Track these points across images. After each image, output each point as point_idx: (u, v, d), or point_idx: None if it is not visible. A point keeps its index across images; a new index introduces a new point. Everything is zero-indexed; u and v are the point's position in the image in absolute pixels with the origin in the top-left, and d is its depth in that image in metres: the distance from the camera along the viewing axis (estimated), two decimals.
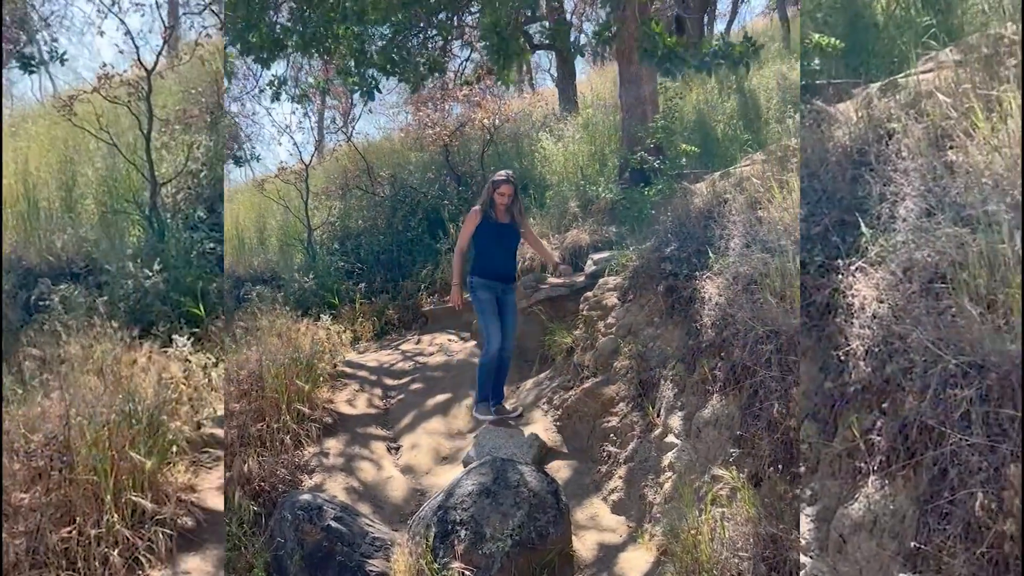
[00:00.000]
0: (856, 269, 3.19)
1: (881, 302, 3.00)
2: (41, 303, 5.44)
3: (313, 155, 12.75)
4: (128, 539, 3.56)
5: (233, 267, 9.10)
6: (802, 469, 3.07)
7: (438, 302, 9.26)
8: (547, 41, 11.26)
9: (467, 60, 14.76)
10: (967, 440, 2.29)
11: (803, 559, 2.78)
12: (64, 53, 7.21)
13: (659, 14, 9.02)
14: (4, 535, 3.30)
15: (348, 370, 7.20)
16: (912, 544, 2.34)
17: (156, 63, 7.72)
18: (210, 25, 8.33)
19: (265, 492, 4.64)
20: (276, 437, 5.20)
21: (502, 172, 5.44)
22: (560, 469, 4.93)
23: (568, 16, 13.45)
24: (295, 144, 20.21)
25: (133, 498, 3.69)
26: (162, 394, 4.21)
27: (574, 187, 9.38)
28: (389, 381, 7.04)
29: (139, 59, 7.54)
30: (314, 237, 10.80)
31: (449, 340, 8.11)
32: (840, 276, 3.24)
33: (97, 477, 3.63)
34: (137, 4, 7.81)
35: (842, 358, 3.03)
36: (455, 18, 10.89)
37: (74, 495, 3.56)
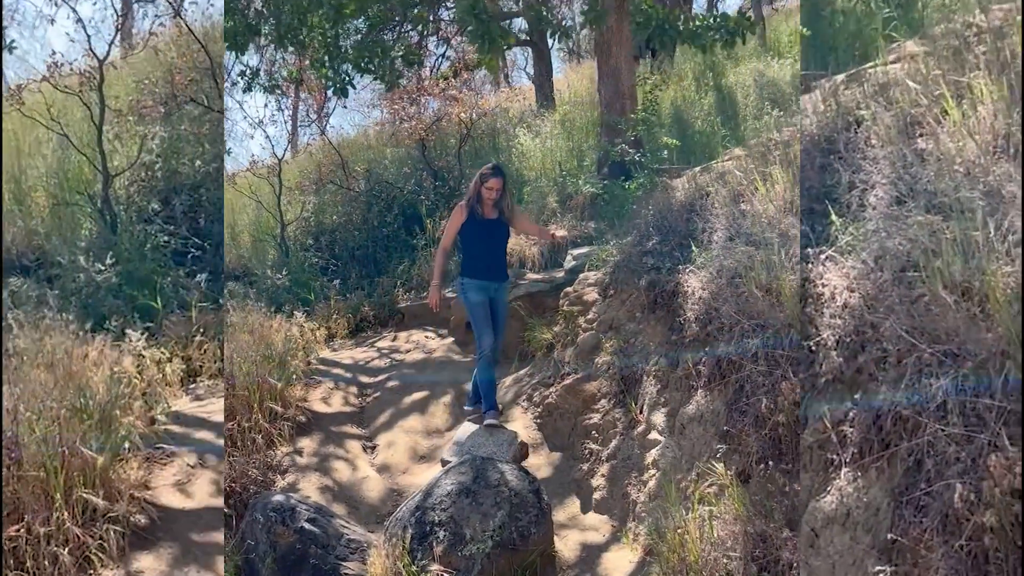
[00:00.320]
0: (826, 258, 3.15)
1: (852, 291, 2.97)
2: None
3: (287, 149, 12.52)
4: (79, 537, 3.44)
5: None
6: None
7: (415, 299, 9.12)
8: (528, 29, 11.12)
9: (442, 56, 14.65)
10: (943, 430, 2.24)
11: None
12: (12, 42, 6.93)
13: None
14: None
15: (323, 368, 7.04)
16: (888, 537, 2.29)
17: (108, 52, 7.57)
18: (164, 15, 8.16)
19: (236, 493, 4.49)
20: (248, 436, 5.05)
21: (490, 164, 5.13)
22: (540, 467, 4.84)
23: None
24: (268, 138, 19.83)
25: (84, 495, 3.56)
26: (114, 389, 4.07)
27: (552, 183, 9.30)
28: (365, 379, 6.89)
29: (91, 48, 7.36)
30: (287, 233, 10.60)
31: (426, 337, 7.98)
32: (810, 265, 3.20)
33: (46, 473, 3.50)
34: None
35: (812, 348, 2.98)
36: (430, 12, 10.76)
37: (23, 492, 3.43)
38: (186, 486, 4.21)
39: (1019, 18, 3.18)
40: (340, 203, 11.45)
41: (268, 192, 10.80)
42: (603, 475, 4.48)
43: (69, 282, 5.95)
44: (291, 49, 8.88)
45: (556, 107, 11.91)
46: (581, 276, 6.07)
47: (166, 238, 7.16)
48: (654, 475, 3.99)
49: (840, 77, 4.52)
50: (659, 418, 4.19)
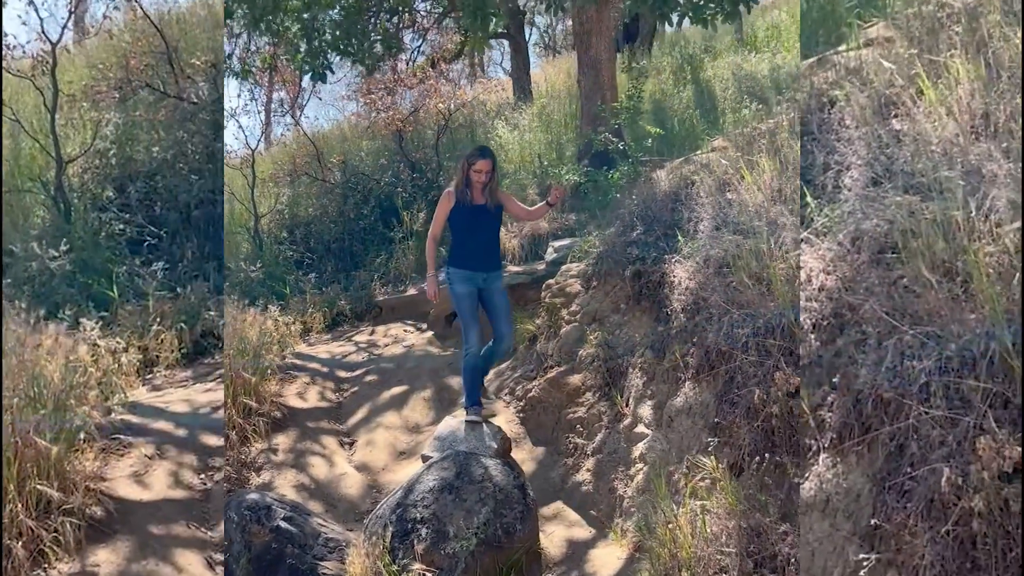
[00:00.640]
0: (801, 241, 3.09)
1: (828, 273, 2.93)
2: None
3: (260, 139, 12.26)
4: (32, 530, 3.30)
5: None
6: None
7: (393, 292, 8.97)
8: (505, 23, 10.98)
9: (417, 50, 14.48)
10: (927, 413, 2.19)
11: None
12: None
13: None
14: None
15: (298, 362, 6.87)
16: (871, 522, 2.24)
17: (61, 36, 7.37)
18: None
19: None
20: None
21: (477, 146, 4.84)
22: (524, 462, 4.72)
23: None
24: (241, 128, 19.36)
25: (38, 487, 3.42)
26: (69, 378, 3.92)
27: (531, 175, 9.19)
28: (342, 373, 6.74)
29: (43, 31, 7.14)
30: (261, 225, 10.38)
31: (405, 331, 7.84)
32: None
33: None
34: None
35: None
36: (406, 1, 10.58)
37: None
38: (144, 477, 4.08)
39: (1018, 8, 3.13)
40: (315, 195, 11.25)
41: (241, 184, 10.57)
42: (588, 470, 4.39)
43: (21, 270, 5.80)
44: (265, 35, 8.63)
45: (534, 100, 11.81)
46: (564, 268, 5.97)
47: (121, 226, 6.98)
48: (641, 469, 3.90)
49: (807, 63, 4.49)
50: (646, 411, 4.11)
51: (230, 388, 5.14)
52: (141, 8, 8.38)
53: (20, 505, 3.33)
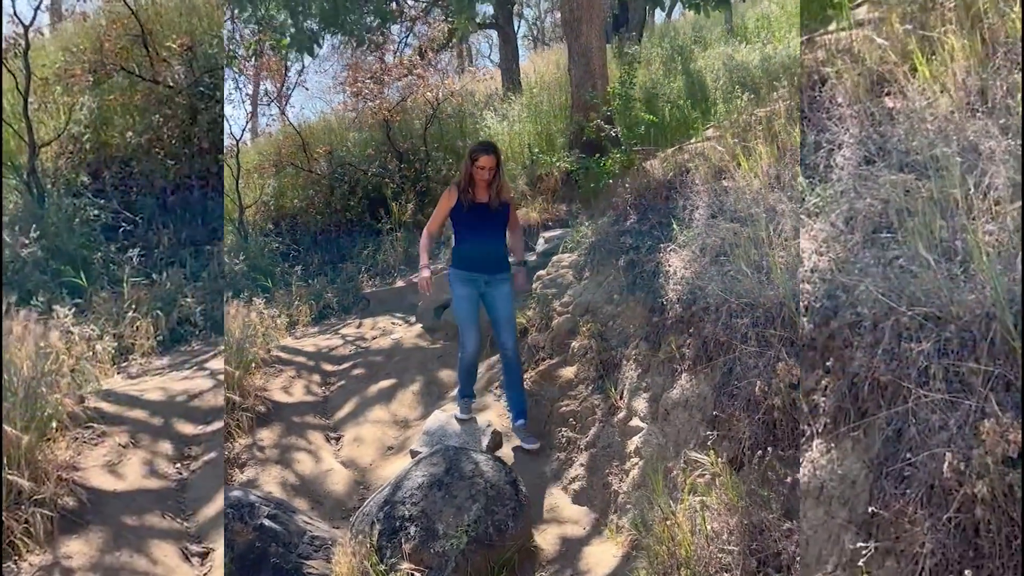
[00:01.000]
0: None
1: (821, 255, 2.84)
2: None
3: (244, 129, 12.05)
4: (2, 521, 3.18)
5: None
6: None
7: (381, 284, 8.82)
8: (494, 13, 10.83)
9: (404, 42, 14.32)
10: (926, 396, 2.10)
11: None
12: None
13: None
14: None
15: (284, 356, 6.71)
16: (868, 510, 2.16)
17: (35, 18, 7.28)
18: None
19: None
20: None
21: (481, 141, 4.64)
22: (515, 457, 4.60)
23: None
24: (225, 118, 19.14)
25: (8, 476, 3.30)
26: (40, 365, 3.78)
27: (521, 166, 9.06)
28: (328, 367, 6.59)
29: (15, 13, 7.06)
30: (246, 216, 10.18)
31: (393, 324, 7.69)
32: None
33: None
34: None
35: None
36: None
37: None
38: (117, 467, 3.95)
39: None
40: (301, 186, 11.06)
41: (226, 175, 10.36)
42: (582, 464, 4.28)
43: None
44: (251, 22, 8.44)
45: (523, 90, 11.67)
46: (555, 258, 5.85)
47: (96, 212, 6.82)
48: (637, 464, 3.79)
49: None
50: (640, 404, 4.00)
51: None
52: None
53: None
